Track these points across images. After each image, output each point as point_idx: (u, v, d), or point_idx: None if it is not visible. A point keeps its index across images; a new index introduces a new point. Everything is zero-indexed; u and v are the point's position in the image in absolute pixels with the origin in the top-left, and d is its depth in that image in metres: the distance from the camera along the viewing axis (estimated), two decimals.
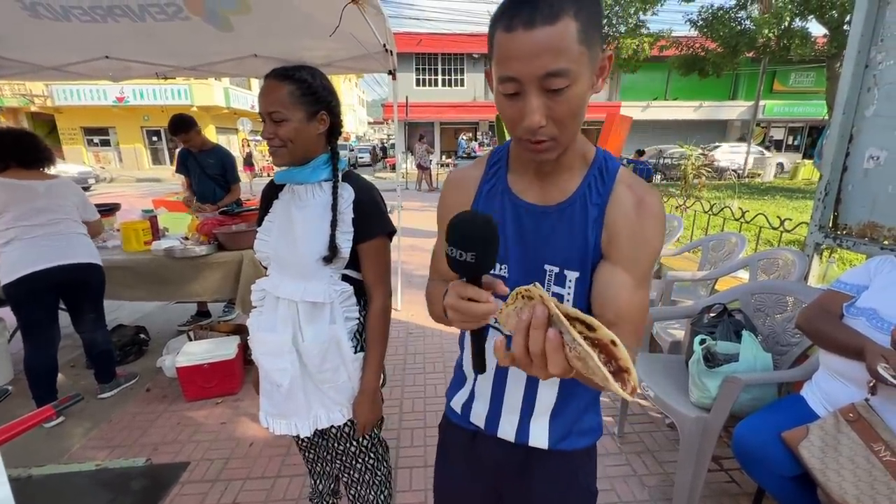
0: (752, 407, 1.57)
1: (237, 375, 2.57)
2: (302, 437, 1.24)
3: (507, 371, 0.78)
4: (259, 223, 1.20)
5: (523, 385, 0.78)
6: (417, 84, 21.14)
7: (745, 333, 1.63)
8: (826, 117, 10.17)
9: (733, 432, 1.45)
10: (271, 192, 1.19)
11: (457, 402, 0.88)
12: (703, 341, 1.68)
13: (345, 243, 1.10)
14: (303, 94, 1.03)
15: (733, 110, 21.53)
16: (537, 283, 0.52)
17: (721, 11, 10.76)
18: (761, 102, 19.50)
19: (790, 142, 23.85)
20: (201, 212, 3.06)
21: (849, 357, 1.27)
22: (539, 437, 0.79)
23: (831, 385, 1.36)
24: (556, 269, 0.71)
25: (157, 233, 2.94)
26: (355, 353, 1.17)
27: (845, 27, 9.60)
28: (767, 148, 19.31)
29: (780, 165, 16.99)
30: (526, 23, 0.53)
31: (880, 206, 1.83)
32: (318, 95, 1.06)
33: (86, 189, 13.70)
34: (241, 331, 2.83)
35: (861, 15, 1.83)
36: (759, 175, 15.55)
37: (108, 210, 3.22)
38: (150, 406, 2.49)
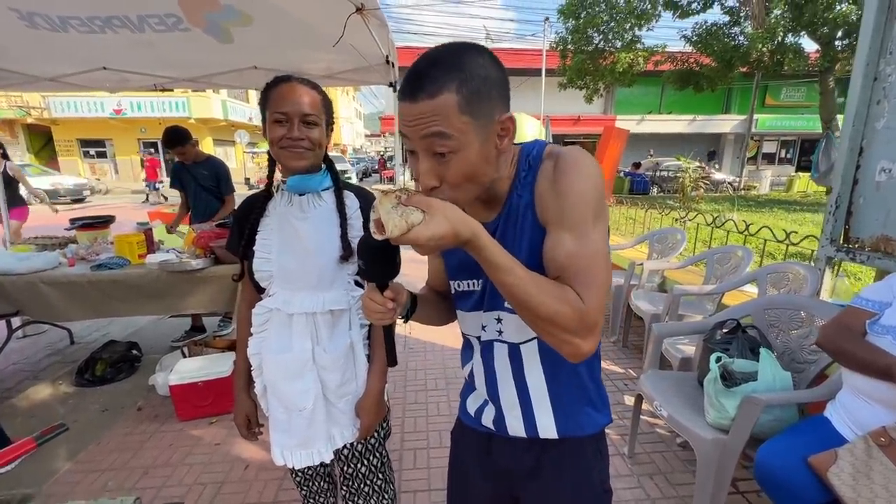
0: (772, 428, 1.51)
1: (233, 394, 2.48)
2: (326, 462, 1.17)
3: (494, 368, 0.82)
4: (245, 245, 1.11)
5: (511, 377, 0.80)
6: None
7: (763, 351, 1.58)
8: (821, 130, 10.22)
9: (755, 456, 1.39)
10: (250, 211, 1.13)
11: (471, 405, 0.90)
12: (718, 359, 1.63)
13: None
14: (325, 105, 1.05)
15: (727, 124, 21.80)
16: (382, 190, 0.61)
17: (715, 27, 10.92)
18: (754, 116, 19.78)
19: (783, 155, 24.14)
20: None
21: (875, 377, 1.22)
22: (546, 425, 0.80)
23: (857, 406, 1.30)
24: None
25: (151, 246, 2.87)
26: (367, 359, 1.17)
27: (836, 43, 9.79)
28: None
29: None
30: (411, 96, 0.60)
31: (894, 220, 1.80)
32: (332, 109, 1.09)
33: (80, 200, 13.69)
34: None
35: (869, 27, 1.82)
36: (755, 188, 15.66)
37: (103, 222, 3.14)
38: (142, 426, 2.39)
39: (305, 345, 1.08)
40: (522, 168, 0.72)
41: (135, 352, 3.07)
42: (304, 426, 1.11)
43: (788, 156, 24.08)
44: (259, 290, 1.13)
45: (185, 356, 2.70)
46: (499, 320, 0.79)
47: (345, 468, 1.25)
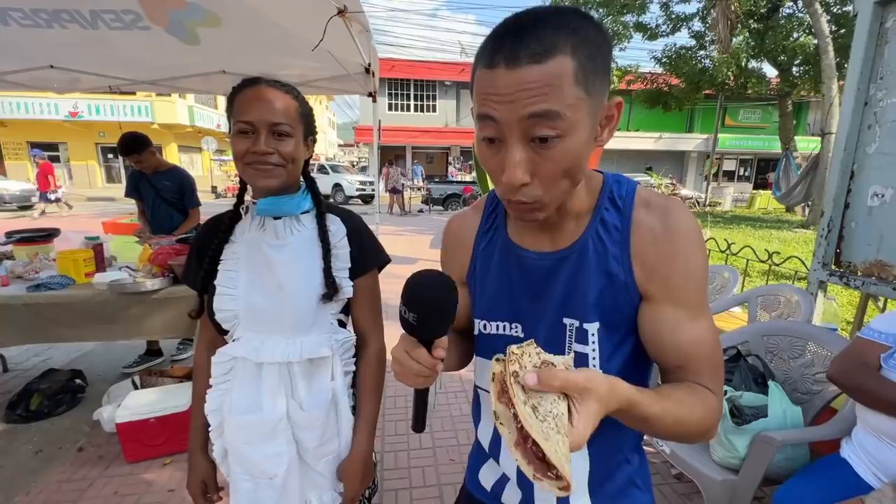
0: (783, 467, 1.42)
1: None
2: None
3: None
4: (205, 276, 0.91)
5: None
6: (390, 108, 21.21)
7: (771, 384, 1.50)
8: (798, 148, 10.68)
9: (772, 499, 1.29)
10: (212, 235, 0.93)
11: (486, 480, 0.77)
12: (725, 392, 1.53)
13: (344, 281, 0.94)
14: (303, 114, 0.89)
15: (690, 142, 22.75)
16: (501, 357, 0.48)
17: (683, 50, 11.39)
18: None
19: (741, 172, 25.41)
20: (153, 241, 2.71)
21: None
22: None
23: (878, 448, 1.22)
24: (577, 323, 0.61)
25: (101, 263, 2.58)
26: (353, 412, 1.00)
27: (794, 69, 10.37)
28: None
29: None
30: (509, 59, 0.46)
31: (888, 245, 1.78)
32: (312, 118, 0.92)
33: (28, 207, 12.72)
34: None
35: (860, 52, 1.82)
36: (719, 204, 16.30)
37: (45, 236, 2.82)
38: (82, 471, 2.10)
39: (278, 403, 0.89)
40: (604, 204, 0.61)
41: (78, 381, 2.74)
42: (274, 496, 0.92)
43: (746, 173, 25.38)
44: (221, 332, 0.94)
45: (136, 387, 2.42)
46: None
47: None
